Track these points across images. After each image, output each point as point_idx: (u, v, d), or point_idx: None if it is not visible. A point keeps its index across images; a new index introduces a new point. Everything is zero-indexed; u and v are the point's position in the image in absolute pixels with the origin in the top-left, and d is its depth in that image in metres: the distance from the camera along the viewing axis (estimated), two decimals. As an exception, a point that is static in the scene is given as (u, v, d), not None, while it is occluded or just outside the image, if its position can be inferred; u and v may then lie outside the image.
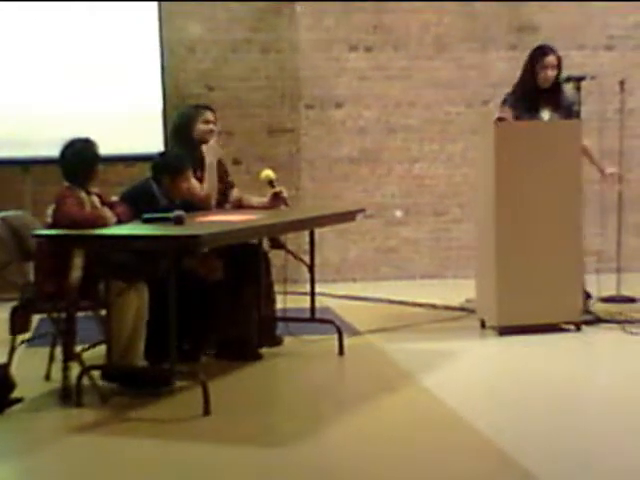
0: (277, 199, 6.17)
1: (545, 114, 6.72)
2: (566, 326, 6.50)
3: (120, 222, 5.15)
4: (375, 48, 8.99)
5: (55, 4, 7.97)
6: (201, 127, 6.02)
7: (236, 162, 8.49)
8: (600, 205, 7.78)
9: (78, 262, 5.03)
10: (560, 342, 6.26)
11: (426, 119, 9.07)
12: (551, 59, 6.67)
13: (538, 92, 6.72)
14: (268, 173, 6.20)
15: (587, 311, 6.68)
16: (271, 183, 6.19)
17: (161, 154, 5.84)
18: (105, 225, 5.02)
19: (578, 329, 6.46)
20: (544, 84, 6.69)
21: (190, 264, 5.46)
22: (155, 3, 8.19)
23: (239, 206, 6.19)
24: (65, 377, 4.99)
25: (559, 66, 6.71)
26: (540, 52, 6.72)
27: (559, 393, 5.15)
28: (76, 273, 5.02)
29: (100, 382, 5.09)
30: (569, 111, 6.70)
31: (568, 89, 6.76)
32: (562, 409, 4.88)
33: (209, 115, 6.07)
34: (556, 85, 6.71)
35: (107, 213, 5.13)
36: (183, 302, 5.04)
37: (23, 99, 7.93)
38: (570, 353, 6.06)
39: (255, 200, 6.25)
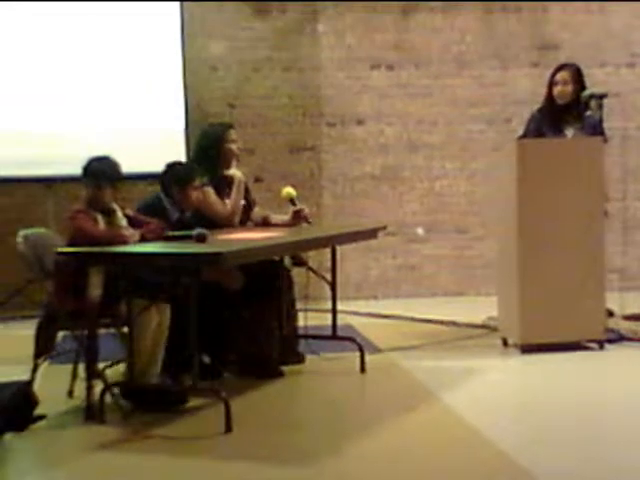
0: (299, 217, 6.17)
1: (569, 132, 6.71)
2: (589, 344, 6.47)
3: (145, 240, 5.15)
4: (396, 66, 9.01)
5: (78, 22, 8.03)
6: (229, 146, 6.05)
7: (258, 180, 8.52)
8: (622, 222, 7.75)
9: (97, 279, 5.04)
10: (583, 360, 6.22)
11: (448, 137, 9.08)
12: (561, 75, 6.69)
13: (560, 109, 6.72)
14: (289, 191, 6.21)
15: (609, 329, 6.64)
16: (292, 201, 6.20)
17: (168, 166, 5.83)
18: (123, 243, 5.03)
19: (601, 347, 6.43)
20: (559, 100, 6.70)
21: (210, 274, 5.45)
22: (178, 22, 8.25)
23: (261, 224, 6.21)
24: (88, 395, 5.00)
25: (579, 82, 6.70)
26: (555, 69, 6.78)
27: (582, 412, 5.12)
28: (96, 291, 5.03)
29: (121, 401, 5.11)
30: (594, 129, 6.68)
31: (593, 107, 6.73)
32: (585, 428, 4.85)
33: (234, 134, 6.11)
34: (578, 102, 6.70)
35: (127, 231, 5.14)
36: (204, 317, 5.05)
37: (46, 117, 7.99)
38: (593, 371, 6.03)
39: (277, 218, 6.26)
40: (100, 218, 5.14)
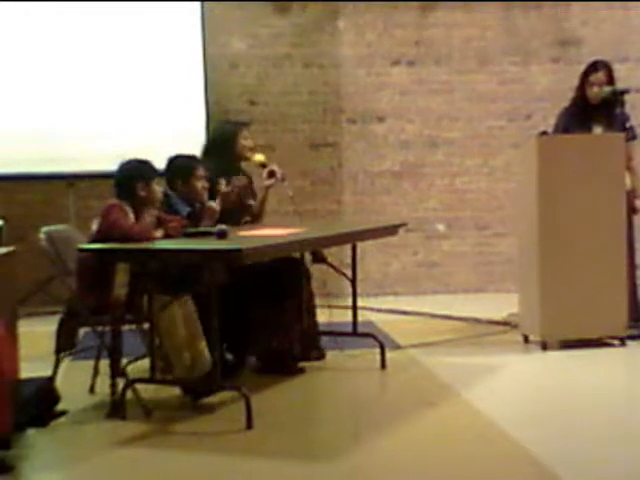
0: (272, 176, 6.14)
1: (598, 130, 6.66)
2: (610, 341, 6.45)
3: (168, 237, 5.16)
4: (417, 62, 9.00)
5: (100, 21, 8.07)
6: (243, 143, 6.07)
7: (278, 176, 8.51)
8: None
9: (121, 277, 5.06)
10: (604, 357, 6.21)
11: (468, 133, 9.06)
12: (598, 76, 6.62)
13: (590, 107, 6.67)
14: (259, 157, 6.15)
15: (632, 326, 6.60)
16: (263, 165, 6.16)
17: (170, 160, 5.77)
18: (150, 239, 5.04)
19: (623, 344, 6.41)
20: (593, 100, 6.65)
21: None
22: (199, 20, 8.27)
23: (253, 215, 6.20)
24: (113, 393, 5.02)
25: (611, 82, 6.64)
26: (590, 68, 6.68)
27: (603, 408, 5.11)
28: (121, 289, 5.05)
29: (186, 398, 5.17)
30: (623, 127, 6.63)
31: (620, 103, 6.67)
32: (606, 424, 4.83)
33: (246, 132, 6.13)
34: (608, 100, 6.65)
35: (155, 232, 5.16)
36: (226, 314, 5.06)
37: (67, 115, 8.02)
38: (614, 368, 6.01)
39: (256, 199, 6.23)
40: (130, 212, 5.14)
